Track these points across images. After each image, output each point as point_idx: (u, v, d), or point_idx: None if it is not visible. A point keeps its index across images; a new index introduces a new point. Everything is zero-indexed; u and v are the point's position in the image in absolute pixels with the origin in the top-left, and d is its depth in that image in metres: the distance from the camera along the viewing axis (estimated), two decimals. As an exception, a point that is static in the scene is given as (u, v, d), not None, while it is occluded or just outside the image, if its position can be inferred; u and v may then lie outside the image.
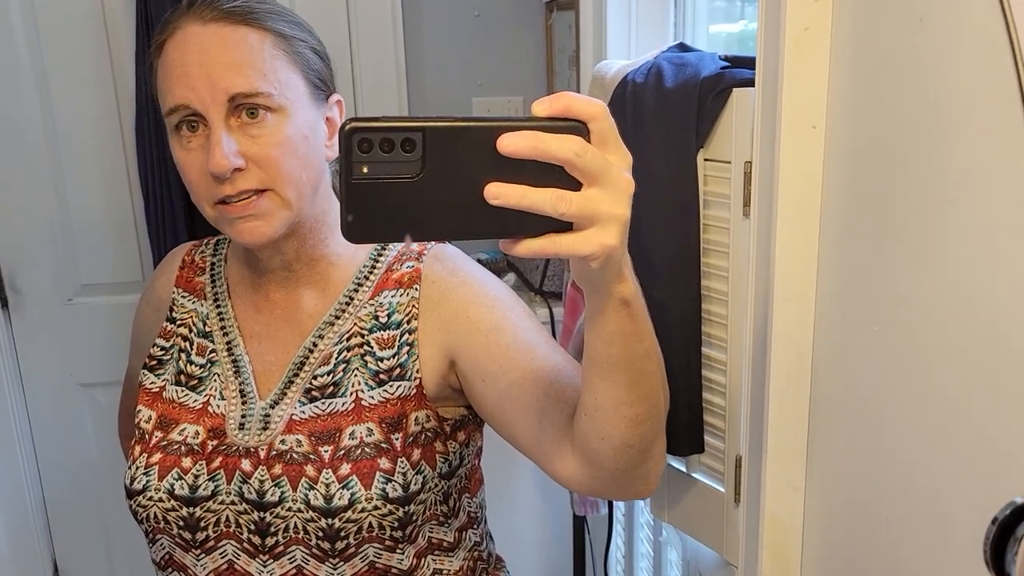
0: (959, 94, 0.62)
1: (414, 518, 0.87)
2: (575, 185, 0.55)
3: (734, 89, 0.96)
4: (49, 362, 2.01)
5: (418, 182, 0.54)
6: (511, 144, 0.52)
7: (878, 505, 0.77)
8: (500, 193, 0.53)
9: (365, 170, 0.53)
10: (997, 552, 0.34)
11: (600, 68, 1.27)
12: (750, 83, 0.93)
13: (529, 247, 0.55)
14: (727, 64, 1.02)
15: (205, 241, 1.05)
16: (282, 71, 0.85)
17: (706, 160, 1.01)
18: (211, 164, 0.81)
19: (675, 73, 1.01)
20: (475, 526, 0.98)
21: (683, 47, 1.15)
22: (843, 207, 0.80)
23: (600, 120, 0.55)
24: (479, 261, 1.91)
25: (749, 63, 0.99)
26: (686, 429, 1.06)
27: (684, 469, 1.14)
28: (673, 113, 1.00)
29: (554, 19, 1.98)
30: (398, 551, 0.87)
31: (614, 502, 1.51)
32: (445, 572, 0.93)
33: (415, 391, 0.89)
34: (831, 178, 0.81)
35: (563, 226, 0.55)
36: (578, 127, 0.54)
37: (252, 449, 0.89)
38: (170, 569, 0.93)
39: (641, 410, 0.70)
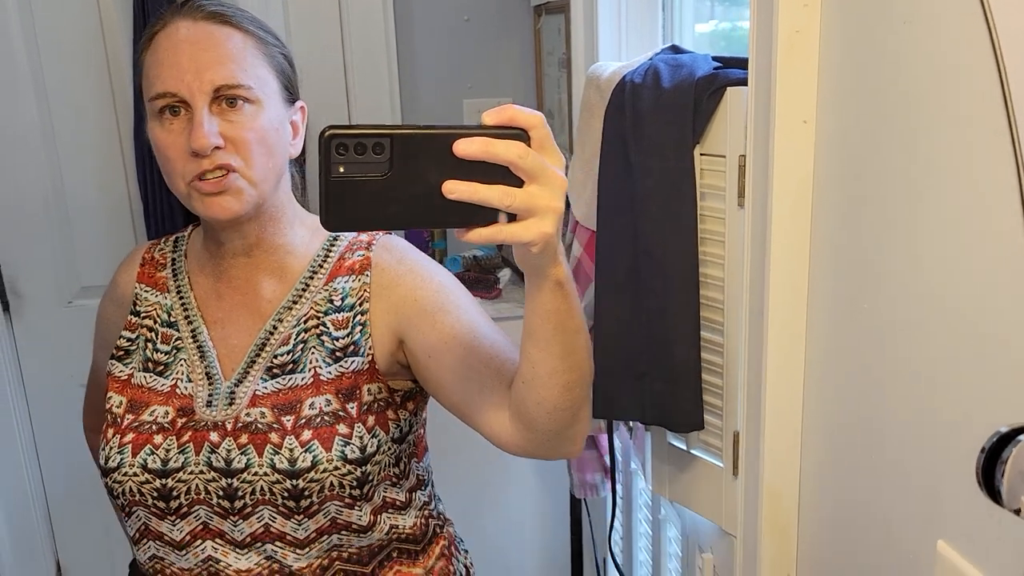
0: (939, 90, 0.67)
1: (370, 478, 0.96)
2: (518, 183, 0.65)
3: (728, 88, 1.03)
4: (50, 364, 2.04)
5: (386, 180, 0.64)
6: (465, 148, 0.63)
7: (870, 473, 0.82)
8: (455, 189, 0.63)
9: (341, 170, 0.63)
10: (987, 476, 0.41)
11: (595, 69, 1.33)
12: (742, 82, 0.99)
13: (479, 234, 0.66)
14: (719, 65, 1.08)
15: (164, 239, 1.13)
16: (260, 69, 0.95)
17: (702, 155, 1.08)
18: (194, 140, 0.90)
19: (671, 74, 1.08)
20: (423, 488, 1.08)
21: (675, 49, 1.21)
22: (833, 196, 0.86)
23: (538, 128, 0.66)
24: (475, 258, 1.96)
25: (739, 64, 1.06)
26: (687, 408, 1.12)
27: (684, 447, 1.21)
28: (671, 111, 1.06)
29: (543, 23, 2.04)
30: (356, 507, 0.97)
31: (617, 484, 1.57)
32: (400, 527, 1.03)
33: (368, 366, 0.98)
34: (822, 169, 0.88)
35: (509, 218, 0.66)
36: (520, 134, 0.65)
37: (219, 423, 0.97)
38: (146, 540, 1.01)
39: (572, 377, 0.81)
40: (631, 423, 1.41)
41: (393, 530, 1.02)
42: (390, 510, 1.01)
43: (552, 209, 0.66)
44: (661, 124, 1.07)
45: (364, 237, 1.05)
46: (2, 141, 1.93)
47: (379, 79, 2.06)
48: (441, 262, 2.07)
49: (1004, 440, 0.41)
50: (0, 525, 2.06)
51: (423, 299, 0.98)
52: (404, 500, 1.03)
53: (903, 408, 0.75)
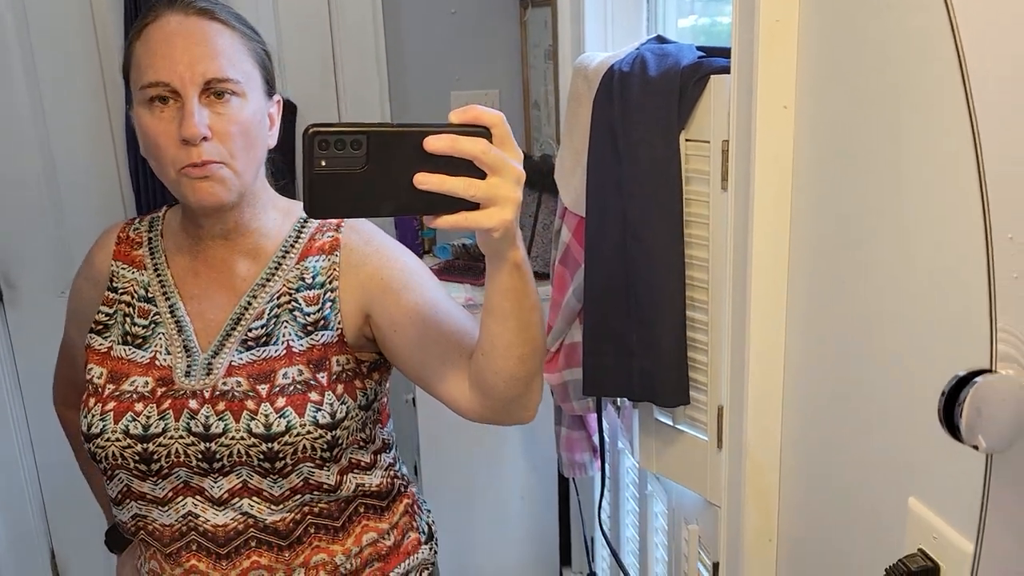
0: (919, 75, 0.70)
1: (339, 441, 1.03)
2: (482, 175, 0.73)
3: (711, 76, 1.08)
4: (45, 355, 2.04)
5: (364, 173, 0.71)
6: (433, 144, 0.71)
7: (845, 442, 0.86)
8: (426, 180, 0.71)
9: (323, 163, 0.70)
10: (948, 415, 0.46)
11: (582, 60, 1.37)
12: (725, 71, 1.04)
13: (447, 221, 0.74)
14: (703, 54, 1.13)
15: (138, 218, 1.18)
16: (246, 64, 1.01)
17: (687, 140, 1.12)
18: (185, 129, 0.95)
19: (658, 63, 1.12)
20: (388, 451, 1.16)
21: (661, 39, 1.26)
22: (812, 178, 0.90)
23: (499, 126, 0.74)
24: (464, 246, 2.01)
25: (722, 53, 1.10)
26: (673, 384, 1.17)
27: (670, 422, 1.26)
28: (658, 98, 1.11)
29: (529, 15, 2.08)
30: (325, 468, 1.04)
31: (605, 463, 1.62)
32: (367, 486, 1.10)
33: (337, 339, 1.05)
34: (801, 153, 0.92)
35: (473, 206, 0.73)
36: (483, 131, 0.73)
37: (198, 391, 1.03)
38: (128, 500, 1.06)
39: (526, 350, 0.89)
40: (619, 401, 1.46)
41: (359, 488, 1.09)
42: (355, 471, 1.08)
43: (511, 199, 0.74)
44: (649, 111, 1.12)
45: (332, 221, 1.11)
46: (-5, 134, 1.94)
47: (368, 72, 2.09)
48: (431, 250, 2.11)
49: (962, 383, 0.46)
50: (-5, 514, 2.08)
51: (388, 277, 1.05)
52: (369, 461, 1.10)
53: (876, 379, 0.79)
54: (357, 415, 1.05)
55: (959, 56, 0.59)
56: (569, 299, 1.41)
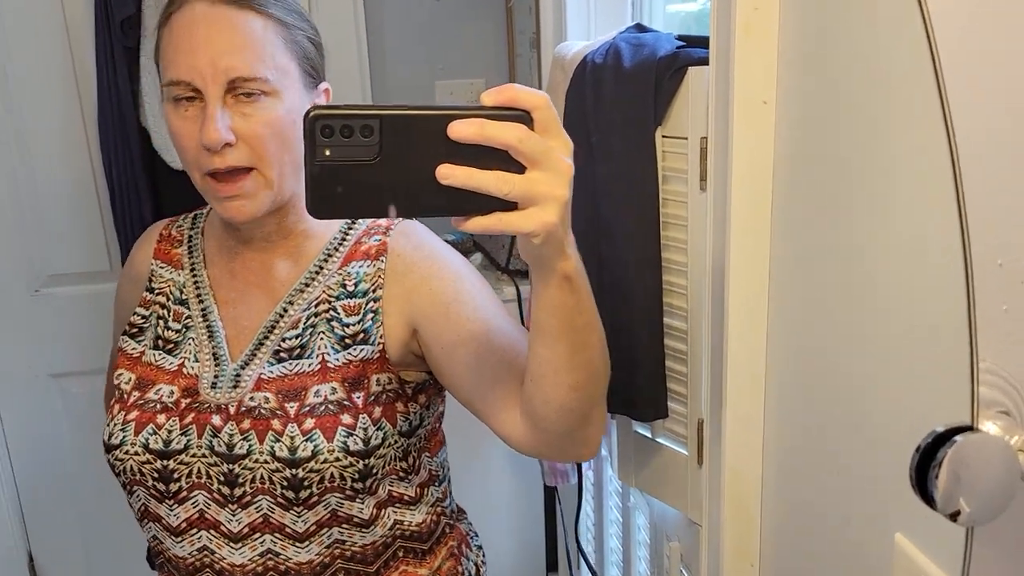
0: (898, 68, 0.66)
1: (374, 471, 0.93)
2: (519, 168, 0.60)
3: (689, 68, 1.00)
4: (18, 353, 2.01)
5: (375, 164, 0.59)
6: (461, 130, 0.58)
7: (830, 465, 0.81)
8: (450, 174, 0.59)
9: (327, 153, 0.59)
10: (920, 475, 0.39)
11: (560, 49, 1.30)
12: (705, 62, 0.97)
13: (476, 224, 0.61)
14: (682, 44, 1.05)
15: (182, 216, 1.10)
16: (280, 57, 0.91)
17: (664, 137, 1.05)
18: (204, 136, 0.87)
19: (632, 53, 1.05)
20: (437, 483, 1.04)
21: (640, 28, 1.18)
22: (793, 178, 0.84)
23: (542, 109, 0.61)
24: (447, 243, 1.94)
25: (703, 42, 1.03)
26: (650, 396, 1.10)
27: (649, 435, 1.19)
28: (631, 92, 1.03)
29: (514, 2, 2.00)
30: (358, 500, 0.93)
31: (583, 472, 1.55)
32: (406, 524, 0.99)
33: (378, 355, 0.94)
34: (781, 150, 0.85)
35: (509, 206, 0.61)
36: (522, 116, 0.60)
37: (223, 406, 0.94)
38: (147, 520, 0.99)
39: (580, 377, 0.76)
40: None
41: (398, 526, 0.98)
42: (396, 504, 0.98)
43: (555, 197, 0.61)
44: (622, 105, 1.05)
45: (383, 222, 1.01)
46: (-36, 129, 1.89)
47: (349, 61, 2.02)
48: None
49: (940, 440, 0.38)
50: (-31, 518, 2.03)
51: (438, 288, 0.94)
52: (413, 495, 0.99)
53: (863, 398, 0.74)
54: (396, 442, 0.95)
55: (931, 48, 0.52)
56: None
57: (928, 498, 0.39)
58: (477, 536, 1.15)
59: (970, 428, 0.39)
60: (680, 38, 1.07)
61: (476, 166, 0.59)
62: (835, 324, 0.77)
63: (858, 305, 0.73)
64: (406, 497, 0.99)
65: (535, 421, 0.82)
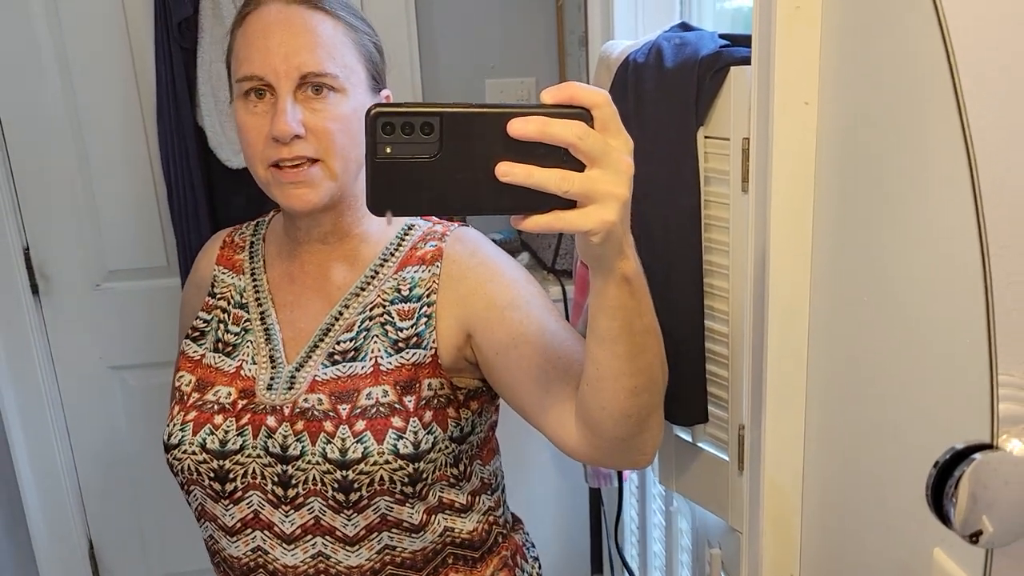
0: (942, 67, 0.63)
1: (424, 476, 0.93)
2: (579, 167, 0.60)
3: (731, 67, 0.98)
4: (80, 346, 2.07)
5: (435, 162, 0.60)
6: (520, 128, 0.59)
7: (870, 475, 0.79)
8: (509, 172, 0.59)
9: (388, 150, 0.60)
10: (936, 493, 0.37)
11: (606, 48, 1.29)
12: (747, 61, 0.95)
13: (536, 222, 0.61)
14: (726, 43, 1.03)
15: (245, 224, 1.13)
16: (348, 57, 0.94)
17: (706, 137, 1.03)
18: (275, 127, 0.89)
19: (675, 53, 1.03)
20: (489, 492, 1.04)
21: (685, 26, 1.16)
22: (835, 180, 0.82)
23: (603, 107, 0.61)
24: (495, 242, 1.95)
25: (748, 41, 1.00)
26: (690, 400, 1.08)
27: (690, 439, 1.17)
28: (673, 92, 1.02)
29: (564, 0, 1.99)
30: (408, 505, 0.93)
31: (623, 479, 1.54)
32: (457, 531, 0.99)
33: (430, 359, 0.95)
34: (824, 152, 0.83)
35: (568, 204, 0.61)
36: (582, 113, 0.60)
37: (278, 407, 0.96)
38: (203, 520, 1.01)
39: (639, 382, 0.75)
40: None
41: (448, 533, 0.98)
42: (447, 511, 0.98)
43: (615, 196, 0.61)
44: (663, 106, 1.03)
45: (439, 228, 1.02)
46: (29, 127, 1.95)
47: (400, 60, 2.03)
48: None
49: (958, 458, 0.37)
50: (34, 505, 2.10)
51: (492, 293, 0.94)
52: (465, 503, 1.00)
53: (905, 406, 0.72)
54: (447, 448, 0.95)
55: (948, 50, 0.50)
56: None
57: (944, 517, 0.37)
58: (534, 547, 1.14)
59: (990, 446, 0.37)
60: (724, 36, 1.05)
61: (536, 164, 0.59)
62: (872, 332, 0.75)
63: (908, 314, 0.71)
64: (457, 504, 0.98)
65: (591, 427, 0.81)
